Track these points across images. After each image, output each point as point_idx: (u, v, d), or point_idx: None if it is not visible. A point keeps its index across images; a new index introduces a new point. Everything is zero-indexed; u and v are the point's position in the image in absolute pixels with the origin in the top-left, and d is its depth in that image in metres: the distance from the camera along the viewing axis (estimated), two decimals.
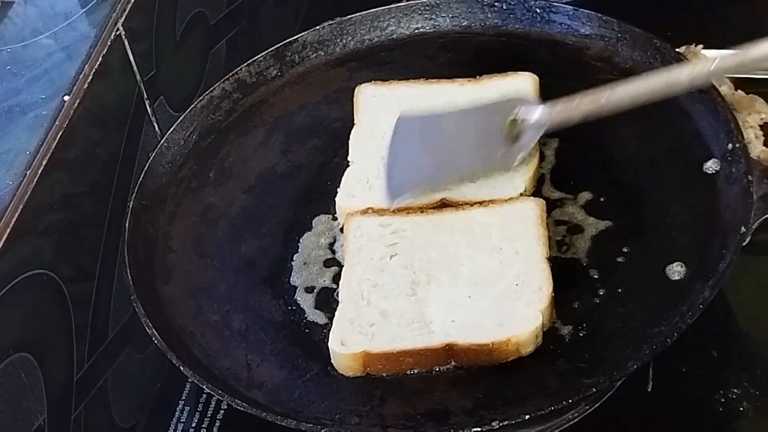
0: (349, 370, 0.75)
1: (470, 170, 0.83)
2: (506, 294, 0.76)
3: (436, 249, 0.80)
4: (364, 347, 0.74)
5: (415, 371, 0.74)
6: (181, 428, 0.89)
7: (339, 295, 0.79)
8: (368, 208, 0.84)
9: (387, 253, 0.80)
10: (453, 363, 0.74)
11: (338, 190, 0.86)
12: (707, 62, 0.77)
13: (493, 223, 0.81)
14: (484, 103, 0.86)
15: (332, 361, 0.75)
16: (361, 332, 0.75)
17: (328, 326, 0.79)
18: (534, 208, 0.81)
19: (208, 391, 0.74)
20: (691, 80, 0.77)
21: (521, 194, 0.83)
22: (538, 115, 0.81)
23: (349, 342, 0.75)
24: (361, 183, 0.86)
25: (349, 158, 0.88)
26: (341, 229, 0.85)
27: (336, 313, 0.77)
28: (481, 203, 0.82)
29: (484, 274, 0.77)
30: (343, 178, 0.87)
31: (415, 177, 0.84)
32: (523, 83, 0.90)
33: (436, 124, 0.85)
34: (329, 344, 0.75)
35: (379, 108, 0.91)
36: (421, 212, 0.83)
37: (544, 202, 0.82)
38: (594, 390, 0.71)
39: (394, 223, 0.82)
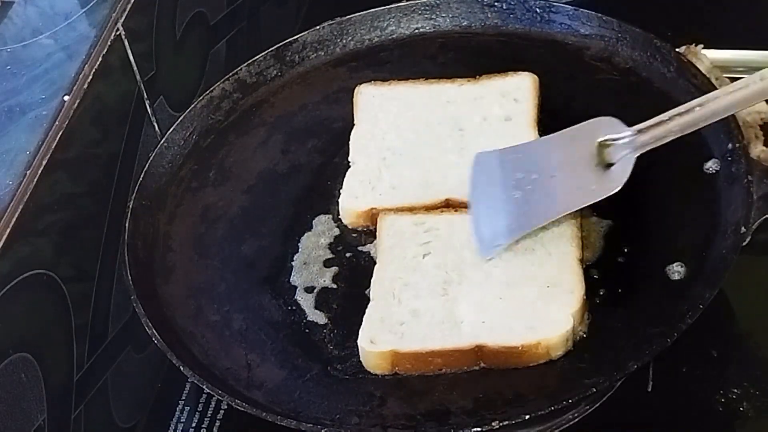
0: (377, 368, 0.75)
1: (567, 207, 0.77)
2: (538, 296, 0.75)
3: (470, 249, 0.79)
4: (393, 346, 0.74)
5: (445, 371, 0.74)
6: (181, 428, 0.89)
7: (371, 292, 0.78)
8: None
9: (420, 252, 0.80)
10: (482, 364, 0.74)
11: (341, 191, 0.86)
12: None
13: None
14: (565, 129, 0.80)
15: (361, 358, 0.75)
16: (391, 331, 0.75)
17: (328, 326, 0.79)
18: None
19: (208, 391, 0.74)
20: None
21: None
22: (630, 134, 0.75)
23: (379, 340, 0.75)
24: (363, 184, 0.86)
25: (350, 159, 0.88)
26: (338, 228, 0.85)
27: (367, 310, 0.77)
28: None
29: (517, 275, 0.77)
30: (345, 179, 0.87)
31: (506, 223, 0.77)
32: (522, 83, 0.90)
33: (517, 157, 0.80)
34: (359, 341, 0.75)
35: (379, 108, 0.91)
36: (455, 211, 0.82)
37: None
38: (594, 390, 0.71)
39: (428, 222, 0.82)
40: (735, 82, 0.72)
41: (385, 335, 0.75)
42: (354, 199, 0.85)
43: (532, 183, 0.77)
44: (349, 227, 0.86)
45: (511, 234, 0.77)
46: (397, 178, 0.86)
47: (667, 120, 0.74)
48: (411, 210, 0.83)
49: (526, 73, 0.91)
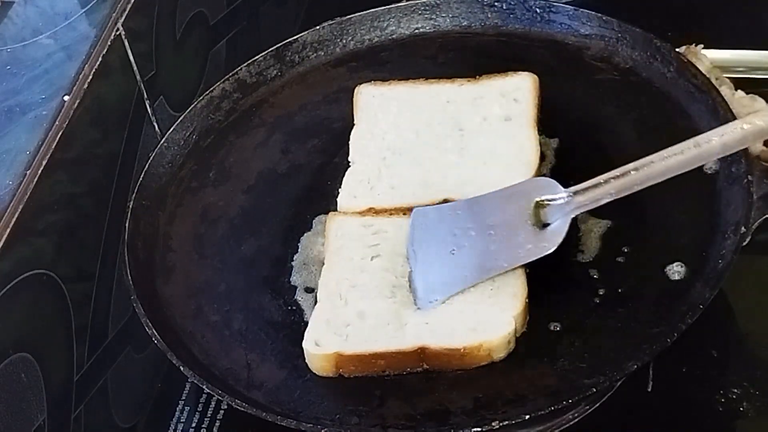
0: (321, 370, 0.75)
1: (502, 266, 0.77)
2: (481, 299, 0.76)
3: None
4: (338, 348, 0.74)
5: (388, 373, 0.74)
6: (181, 428, 0.89)
7: (317, 294, 0.79)
8: (370, 208, 0.84)
9: (368, 254, 0.80)
10: (424, 366, 0.74)
11: (339, 191, 0.86)
12: (736, 126, 0.72)
13: None
14: (503, 187, 0.80)
15: (306, 360, 0.75)
16: (336, 333, 0.75)
17: None
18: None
19: (208, 391, 0.74)
20: (723, 147, 0.73)
21: None
22: (566, 196, 0.76)
23: (323, 342, 0.75)
24: (363, 183, 0.86)
25: (349, 158, 0.88)
26: None
27: (312, 312, 0.77)
28: None
29: None
30: (344, 178, 0.87)
31: (441, 279, 0.77)
32: (522, 83, 0.90)
33: (456, 214, 0.80)
34: (303, 344, 0.75)
35: (379, 108, 0.91)
36: (404, 214, 0.82)
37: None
38: (594, 390, 0.71)
39: (376, 224, 0.82)
40: (671, 148, 0.73)
41: (329, 337, 0.75)
42: (353, 199, 0.85)
43: (469, 240, 0.78)
44: None
45: (446, 290, 0.77)
46: (396, 177, 0.86)
47: (603, 183, 0.75)
48: (389, 211, 0.83)
49: (526, 73, 0.91)
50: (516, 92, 0.90)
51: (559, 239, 0.75)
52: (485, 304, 0.75)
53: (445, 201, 0.83)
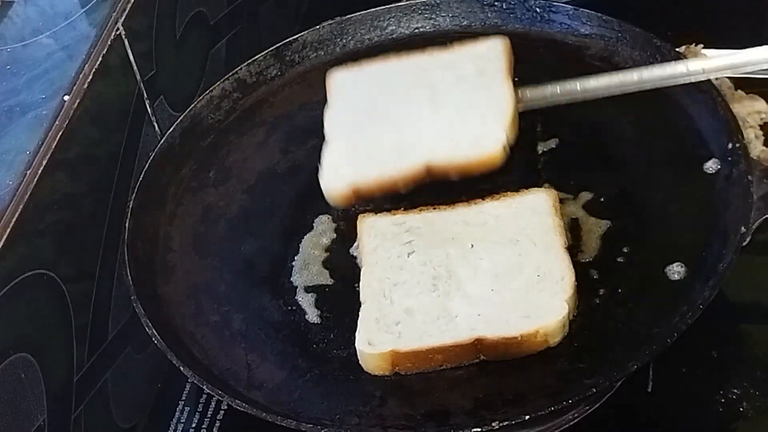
0: (377, 369, 0.75)
1: None
2: (529, 285, 0.76)
3: (453, 244, 0.79)
4: (392, 346, 0.74)
5: (445, 366, 0.74)
6: (181, 428, 0.89)
7: (361, 295, 0.78)
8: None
9: (404, 251, 0.80)
10: (482, 357, 0.74)
11: (320, 170, 0.85)
12: (677, 65, 0.77)
13: (507, 215, 0.81)
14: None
15: (360, 362, 0.75)
16: (388, 331, 0.75)
17: (328, 326, 0.79)
18: (546, 199, 0.81)
19: (208, 391, 0.74)
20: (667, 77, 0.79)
21: (504, 147, 0.83)
22: None
23: (376, 341, 0.74)
24: (341, 158, 0.85)
25: (325, 138, 0.87)
26: (336, 231, 0.85)
27: (360, 313, 0.77)
28: (491, 196, 0.82)
29: (505, 266, 0.77)
30: (322, 159, 0.86)
31: None
32: (494, 44, 0.90)
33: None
34: (356, 345, 0.75)
35: (353, 86, 0.91)
36: (434, 209, 0.83)
37: (556, 192, 0.82)
38: (594, 390, 0.71)
39: (407, 221, 0.82)
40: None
41: (382, 336, 0.75)
42: (334, 177, 0.84)
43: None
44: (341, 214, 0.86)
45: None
46: (373, 146, 0.85)
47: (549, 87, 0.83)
48: (393, 185, 0.83)
49: (498, 36, 0.91)
50: (488, 53, 0.90)
51: None
52: (534, 291, 0.75)
53: (427, 169, 0.83)
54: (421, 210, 0.83)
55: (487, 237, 0.79)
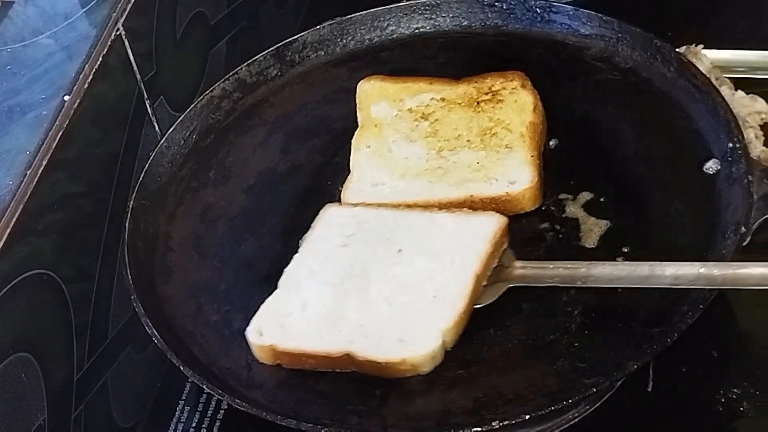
0: (261, 358, 0.76)
1: None
2: (419, 305, 0.75)
3: (385, 245, 0.80)
4: (273, 341, 0.75)
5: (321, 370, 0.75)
6: (181, 428, 0.89)
7: (279, 280, 0.79)
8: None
9: (339, 243, 0.80)
10: (353, 369, 0.74)
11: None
12: (693, 267, 0.72)
13: (449, 229, 0.80)
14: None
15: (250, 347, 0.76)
16: (277, 324, 0.76)
17: None
18: (492, 224, 0.80)
19: (208, 391, 0.74)
20: (675, 279, 0.72)
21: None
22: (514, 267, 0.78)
23: (265, 332, 0.76)
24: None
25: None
26: None
27: (267, 299, 0.78)
28: (450, 208, 0.82)
29: (412, 278, 0.77)
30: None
31: None
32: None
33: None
34: (246, 331, 0.76)
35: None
36: (394, 208, 0.83)
37: (507, 220, 0.80)
38: (594, 390, 0.71)
39: (363, 215, 0.82)
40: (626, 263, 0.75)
41: (270, 328, 0.76)
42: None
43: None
44: None
45: None
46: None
47: (551, 268, 0.76)
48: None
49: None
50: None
51: (491, 300, 0.77)
52: (420, 312, 0.75)
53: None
54: (380, 206, 0.83)
55: (417, 245, 0.79)
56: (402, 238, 0.80)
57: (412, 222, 0.81)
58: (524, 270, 0.77)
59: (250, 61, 0.98)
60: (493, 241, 0.79)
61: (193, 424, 0.89)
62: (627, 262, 0.75)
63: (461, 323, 0.75)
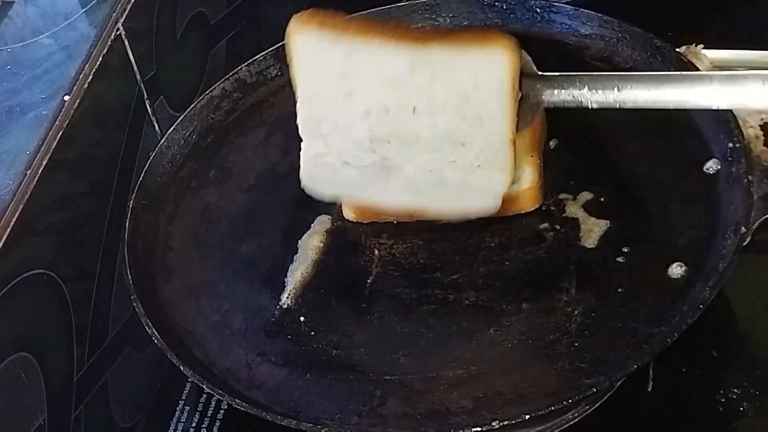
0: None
1: None
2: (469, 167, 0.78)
3: (393, 97, 0.77)
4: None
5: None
6: (181, 428, 0.89)
7: (299, 131, 0.81)
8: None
9: (341, 90, 0.79)
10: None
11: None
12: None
13: (459, 70, 0.76)
14: None
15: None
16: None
17: (328, 326, 0.79)
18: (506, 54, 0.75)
19: (208, 391, 0.74)
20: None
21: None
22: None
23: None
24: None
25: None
26: (338, 228, 0.85)
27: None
28: (443, 37, 0.77)
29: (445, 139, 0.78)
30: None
31: None
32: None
33: None
34: (302, 182, 0.80)
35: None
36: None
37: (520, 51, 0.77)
38: (594, 390, 0.71)
39: (346, 49, 0.79)
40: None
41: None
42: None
43: None
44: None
45: None
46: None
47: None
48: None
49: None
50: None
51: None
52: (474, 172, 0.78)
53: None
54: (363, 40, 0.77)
55: (432, 96, 0.76)
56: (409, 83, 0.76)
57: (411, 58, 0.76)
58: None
59: (250, 61, 0.98)
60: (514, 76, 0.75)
61: (193, 424, 0.89)
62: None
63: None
